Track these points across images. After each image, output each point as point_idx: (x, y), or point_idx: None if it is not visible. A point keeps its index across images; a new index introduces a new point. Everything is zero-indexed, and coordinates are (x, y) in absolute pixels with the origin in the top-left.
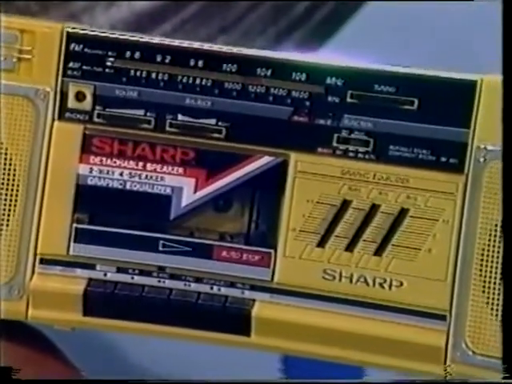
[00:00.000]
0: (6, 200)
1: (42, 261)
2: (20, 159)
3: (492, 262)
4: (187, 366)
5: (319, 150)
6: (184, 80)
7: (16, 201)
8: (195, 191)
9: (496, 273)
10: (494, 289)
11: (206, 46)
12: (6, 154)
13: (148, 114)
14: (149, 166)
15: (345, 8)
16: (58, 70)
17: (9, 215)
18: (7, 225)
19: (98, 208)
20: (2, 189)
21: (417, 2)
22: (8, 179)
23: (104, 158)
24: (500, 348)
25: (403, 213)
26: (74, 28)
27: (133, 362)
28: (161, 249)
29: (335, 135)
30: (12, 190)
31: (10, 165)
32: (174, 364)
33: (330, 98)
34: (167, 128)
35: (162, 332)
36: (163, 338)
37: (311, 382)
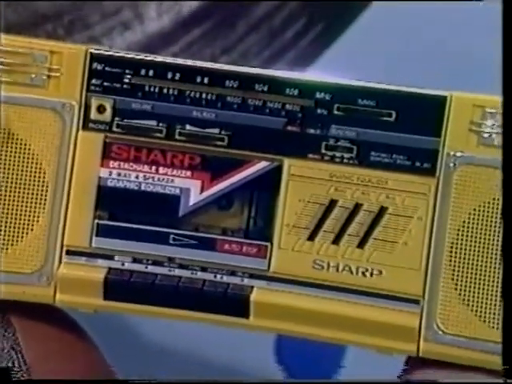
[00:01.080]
0: (36, 199)
1: (67, 252)
2: (49, 164)
3: (460, 253)
4: (195, 342)
5: (309, 155)
6: (191, 95)
7: (45, 200)
8: (201, 192)
9: (463, 263)
10: (462, 277)
11: (211, 65)
12: (36, 159)
13: (160, 124)
14: (161, 170)
15: (330, 33)
16: (82, 85)
17: (39, 212)
18: (37, 221)
19: (116, 206)
20: (34, 190)
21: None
22: (38, 181)
23: (122, 163)
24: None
25: (383, 211)
26: (96, 49)
27: (150, 339)
28: (171, 242)
29: (323, 143)
30: (42, 190)
31: (40, 169)
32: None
33: (318, 111)
34: (177, 137)
35: (172, 314)
36: (173, 319)
37: (312, 382)
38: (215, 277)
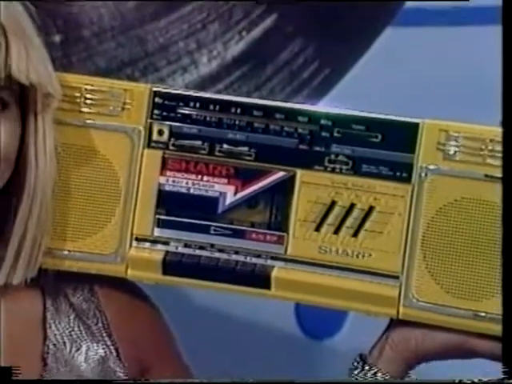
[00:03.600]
0: (113, 199)
1: (136, 239)
2: (122, 173)
3: (430, 240)
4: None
5: (316, 167)
6: (228, 121)
7: (119, 200)
8: (235, 194)
9: (432, 247)
10: (431, 258)
11: (242, 99)
12: (113, 169)
13: (204, 144)
14: (204, 178)
15: (336, 74)
16: (147, 115)
17: (115, 209)
18: (114, 215)
19: (172, 205)
20: (111, 192)
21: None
22: (114, 186)
23: (176, 173)
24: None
25: (372, 209)
26: (157, 87)
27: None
28: (212, 232)
29: (326, 158)
30: (117, 192)
31: (116, 176)
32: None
33: (323, 133)
34: (216, 153)
35: (213, 286)
36: (214, 290)
37: (314, 382)
38: (245, 258)
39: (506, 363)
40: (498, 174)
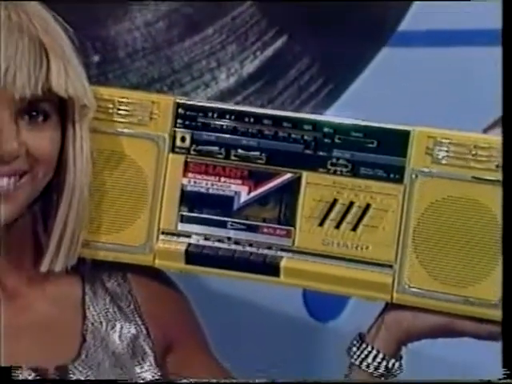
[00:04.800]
0: (142, 198)
1: (162, 232)
2: (150, 174)
3: (419, 234)
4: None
5: (319, 170)
6: (242, 129)
7: (147, 198)
8: (248, 194)
9: (422, 240)
10: (421, 249)
11: (254, 109)
12: (141, 172)
13: (221, 149)
14: (222, 179)
15: (338, 89)
16: (171, 123)
17: (143, 207)
18: (142, 212)
19: (193, 203)
20: (140, 191)
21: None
22: (143, 186)
23: (196, 175)
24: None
25: (368, 206)
26: (180, 99)
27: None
28: (229, 227)
29: (329, 161)
30: (145, 192)
31: (144, 178)
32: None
33: (325, 140)
34: (232, 157)
35: (229, 274)
36: (230, 278)
37: (313, 382)
38: (258, 250)
39: (506, 363)
40: (482, 175)
